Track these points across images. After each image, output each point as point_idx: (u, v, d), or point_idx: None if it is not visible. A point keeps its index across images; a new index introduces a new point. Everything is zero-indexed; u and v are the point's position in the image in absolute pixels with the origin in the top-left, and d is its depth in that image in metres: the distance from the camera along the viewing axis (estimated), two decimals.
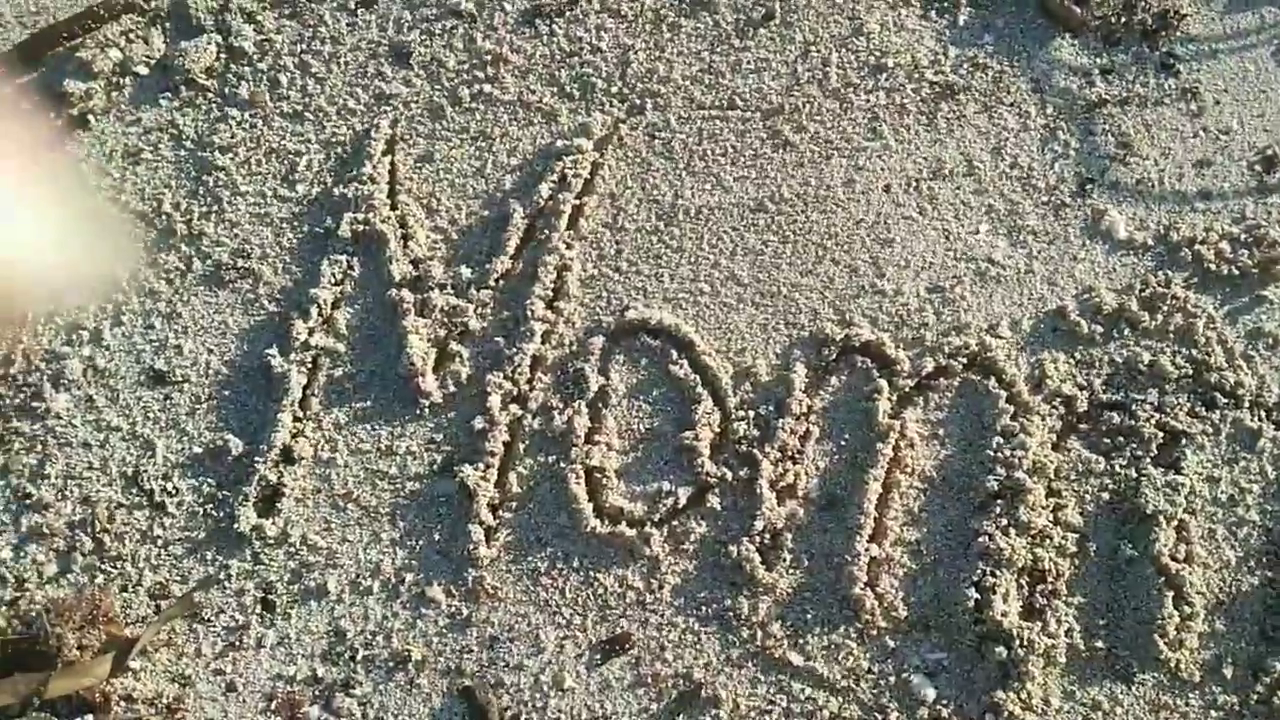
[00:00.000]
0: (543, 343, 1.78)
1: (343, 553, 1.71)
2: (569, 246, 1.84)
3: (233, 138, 1.94)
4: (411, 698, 1.63)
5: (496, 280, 1.83)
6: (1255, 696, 1.46)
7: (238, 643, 1.68)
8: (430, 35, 2.04)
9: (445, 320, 1.82)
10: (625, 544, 1.66)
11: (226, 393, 1.82)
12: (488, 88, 1.99)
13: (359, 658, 1.66)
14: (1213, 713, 1.47)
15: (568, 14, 2.02)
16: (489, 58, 2.01)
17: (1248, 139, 1.78)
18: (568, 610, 1.64)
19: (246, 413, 1.80)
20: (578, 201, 1.87)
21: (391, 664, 1.65)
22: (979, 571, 1.55)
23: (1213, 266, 1.69)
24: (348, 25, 2.06)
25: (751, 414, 1.70)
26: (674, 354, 1.75)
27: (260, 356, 1.81)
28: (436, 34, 2.04)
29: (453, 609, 1.67)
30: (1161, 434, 1.59)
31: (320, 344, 1.82)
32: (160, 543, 1.73)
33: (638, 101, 1.94)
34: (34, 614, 1.62)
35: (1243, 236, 1.71)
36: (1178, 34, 1.86)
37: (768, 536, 1.62)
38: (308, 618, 1.69)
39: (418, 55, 2.02)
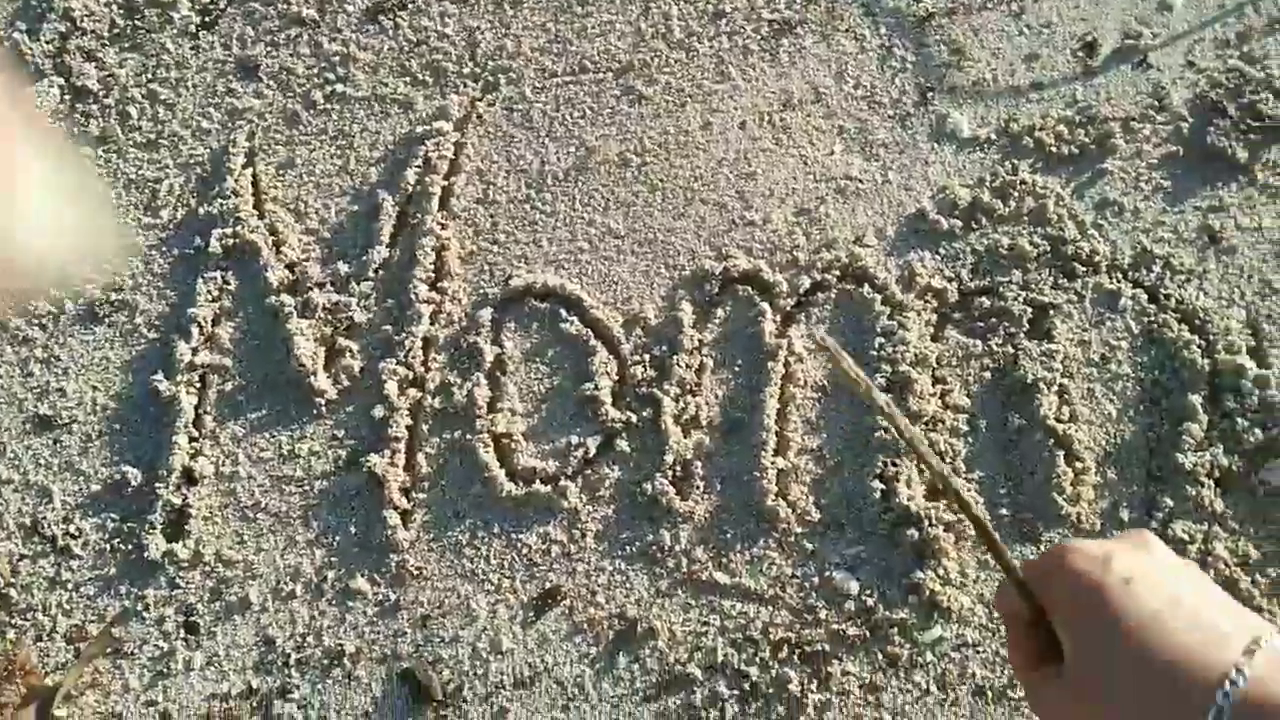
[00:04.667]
0: (431, 324, 1.79)
1: (260, 562, 1.69)
2: (444, 227, 1.85)
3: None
4: (351, 691, 1.61)
5: (376, 271, 1.84)
6: (1153, 530, 1.53)
7: (165, 670, 1.64)
8: (275, 46, 2.04)
9: (329, 317, 1.81)
10: (542, 501, 1.67)
11: (117, 426, 1.78)
12: (340, 87, 1.99)
13: (292, 662, 1.63)
14: None
15: (410, 6, 2.05)
16: (337, 59, 2.02)
17: (1068, 29, 1.89)
18: (495, 575, 1.65)
19: (140, 442, 1.77)
20: (445, 183, 1.89)
21: (326, 662, 1.63)
22: (880, 464, 1.60)
23: (1054, 149, 1.78)
24: (191, 49, 2.05)
25: (646, 357, 1.73)
26: (563, 313, 1.78)
27: (146, 384, 1.79)
28: (282, 44, 2.04)
29: (380, 596, 1.66)
30: (1030, 309, 1.66)
31: (206, 362, 1.80)
32: (70, 586, 1.69)
33: (490, 79, 1.97)
34: None
35: (1077, 118, 1.81)
36: None
37: (679, 469, 1.65)
38: (234, 633, 1.66)
39: (265, 67, 2.02)
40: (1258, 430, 1.57)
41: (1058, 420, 1.60)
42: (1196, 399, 1.59)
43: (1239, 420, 1.58)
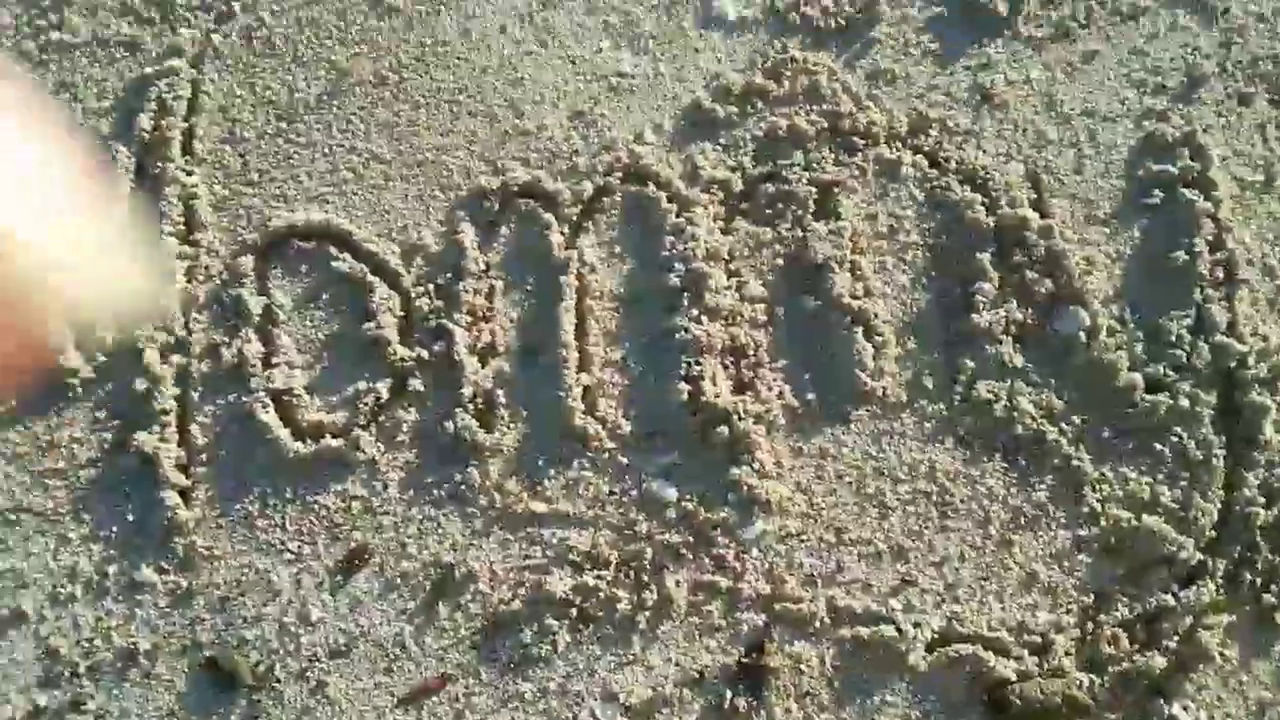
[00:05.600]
0: (188, 281, 1.63)
1: (30, 568, 1.53)
2: (189, 174, 1.68)
3: None
4: (152, 691, 1.49)
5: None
6: (957, 396, 1.54)
7: None
8: None
9: None
10: (335, 456, 1.56)
11: None
12: (56, 35, 1.78)
13: (82, 670, 1.49)
14: (926, 424, 1.54)
15: None
16: (49, 4, 1.79)
17: None
18: (294, 544, 1.53)
19: None
20: (185, 125, 1.71)
21: (120, 665, 1.49)
22: (684, 365, 1.55)
23: (821, 24, 1.74)
24: None
25: (431, 287, 1.63)
26: (333, 251, 1.65)
27: None
28: None
29: (170, 585, 1.52)
30: (815, 190, 1.63)
31: None
32: None
33: (224, 7, 1.79)
34: None
35: None
36: None
37: (480, 401, 1.57)
38: (11, 651, 1.50)
39: None
40: (1047, 281, 1.59)
41: (853, 297, 1.58)
42: (985, 257, 1.60)
43: (1027, 273, 1.59)
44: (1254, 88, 1.72)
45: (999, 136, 1.69)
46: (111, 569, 1.52)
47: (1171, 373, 1.55)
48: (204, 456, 1.56)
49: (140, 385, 1.57)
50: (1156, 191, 1.65)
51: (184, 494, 1.54)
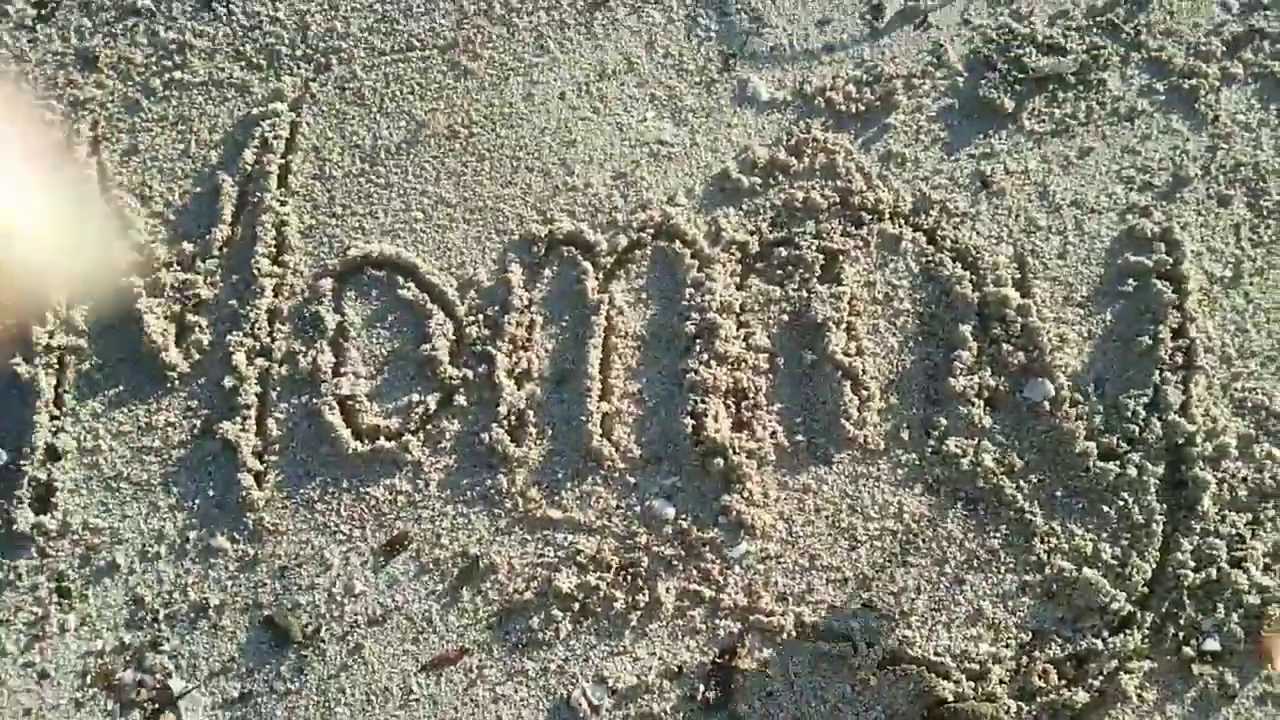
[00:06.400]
0: (275, 296, 1.91)
1: (125, 528, 1.81)
2: (283, 204, 1.96)
3: None
4: (218, 640, 1.75)
5: (220, 248, 1.94)
6: (930, 448, 1.74)
7: (41, 633, 1.75)
8: (113, 36, 2.11)
9: (178, 295, 1.92)
10: (388, 456, 1.81)
11: None
12: (178, 74, 2.07)
13: (161, 617, 1.76)
14: (899, 471, 1.75)
15: None
16: (174, 47, 2.09)
17: None
18: (346, 527, 1.79)
19: (4, 424, 1.86)
20: (283, 161, 1.99)
21: (193, 615, 1.76)
22: (692, 402, 1.78)
23: (843, 108, 1.96)
24: (29, 42, 2.10)
25: (480, 317, 1.87)
26: (400, 279, 1.91)
27: (6, 368, 1.87)
28: (119, 34, 2.11)
29: (239, 552, 1.79)
30: (823, 256, 1.84)
31: (62, 344, 1.89)
32: None
33: (322, 60, 2.07)
34: None
35: (864, 77, 1.98)
36: None
37: (513, 418, 1.81)
38: (104, 595, 1.78)
39: (105, 57, 2.08)
40: (1020, 353, 1.78)
41: (845, 354, 1.79)
42: (967, 329, 1.79)
43: (1004, 345, 1.79)
44: (1233, 190, 1.89)
45: (993, 220, 1.89)
46: (192, 534, 1.79)
47: (1125, 444, 1.73)
48: (277, 447, 1.82)
49: (228, 382, 1.84)
50: (1131, 280, 1.83)
51: (257, 477, 1.80)
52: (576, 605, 1.71)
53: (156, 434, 1.85)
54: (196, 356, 1.88)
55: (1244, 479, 1.71)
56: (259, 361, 1.87)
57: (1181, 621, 1.65)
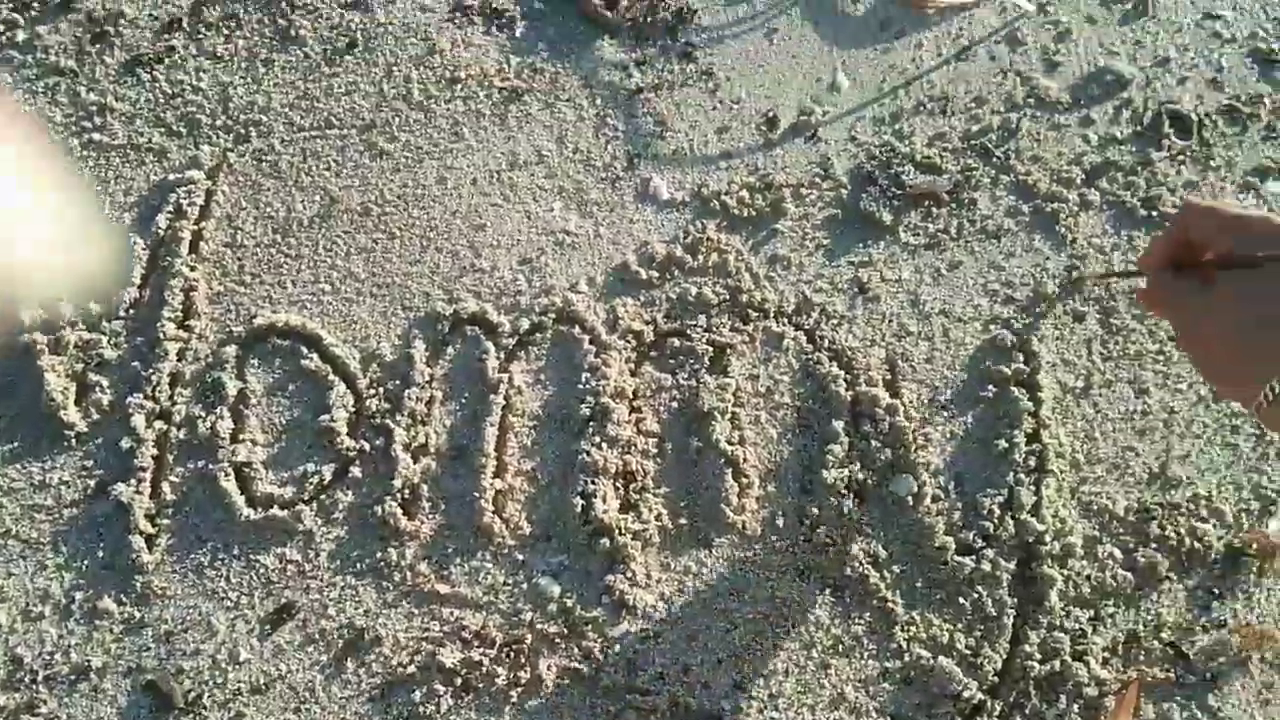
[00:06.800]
0: (178, 360, 1.95)
1: (9, 586, 1.81)
2: (192, 269, 2.01)
3: None
4: (97, 703, 1.75)
5: (127, 310, 1.97)
6: (803, 536, 1.85)
7: None
8: (34, 95, 2.14)
9: (80, 354, 1.94)
10: (280, 525, 1.85)
11: None
12: (97, 136, 2.11)
13: (40, 679, 1.76)
14: (774, 557, 1.85)
15: (166, 61, 2.18)
16: (95, 109, 2.13)
17: (754, 105, 2.21)
18: (234, 594, 1.82)
19: None
20: (196, 227, 2.04)
21: (73, 677, 1.76)
22: (582, 482, 1.86)
23: (736, 211, 2.09)
24: None
25: (381, 390, 1.94)
26: (304, 350, 1.96)
27: None
28: (40, 92, 2.14)
29: (126, 615, 1.80)
30: (712, 349, 1.96)
31: None
32: None
33: (242, 131, 2.13)
34: None
35: (756, 184, 2.12)
36: (692, 26, 2.27)
37: (407, 492, 1.87)
38: None
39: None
40: (888, 450, 1.91)
41: (729, 443, 1.90)
42: (839, 424, 1.92)
43: (873, 442, 1.92)
44: (1087, 308, 2.07)
45: (868, 324, 2.04)
46: (78, 595, 1.80)
47: (980, 540, 1.87)
48: (170, 510, 1.85)
49: (125, 444, 1.87)
50: (992, 386, 1.99)
51: (149, 540, 1.82)
52: (459, 680, 1.76)
53: (50, 492, 1.86)
54: (96, 416, 1.90)
55: (1088, 577, 1.86)
56: (158, 424, 1.89)
57: (1028, 711, 1.78)
